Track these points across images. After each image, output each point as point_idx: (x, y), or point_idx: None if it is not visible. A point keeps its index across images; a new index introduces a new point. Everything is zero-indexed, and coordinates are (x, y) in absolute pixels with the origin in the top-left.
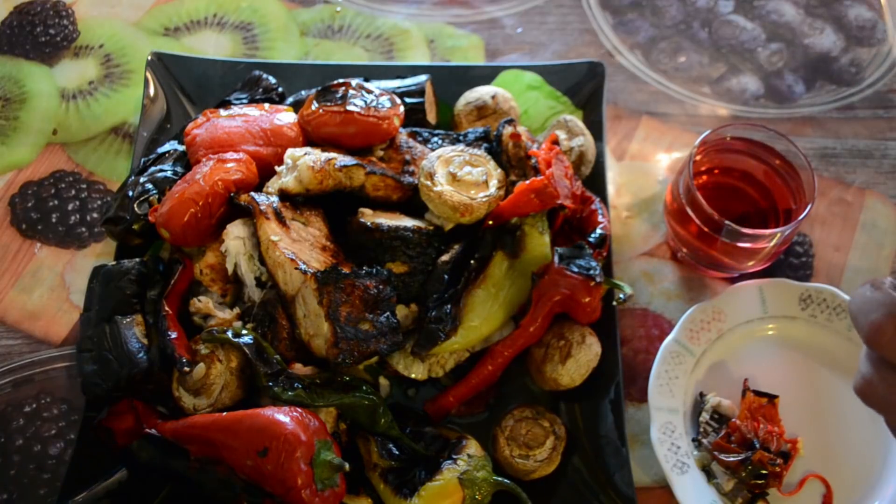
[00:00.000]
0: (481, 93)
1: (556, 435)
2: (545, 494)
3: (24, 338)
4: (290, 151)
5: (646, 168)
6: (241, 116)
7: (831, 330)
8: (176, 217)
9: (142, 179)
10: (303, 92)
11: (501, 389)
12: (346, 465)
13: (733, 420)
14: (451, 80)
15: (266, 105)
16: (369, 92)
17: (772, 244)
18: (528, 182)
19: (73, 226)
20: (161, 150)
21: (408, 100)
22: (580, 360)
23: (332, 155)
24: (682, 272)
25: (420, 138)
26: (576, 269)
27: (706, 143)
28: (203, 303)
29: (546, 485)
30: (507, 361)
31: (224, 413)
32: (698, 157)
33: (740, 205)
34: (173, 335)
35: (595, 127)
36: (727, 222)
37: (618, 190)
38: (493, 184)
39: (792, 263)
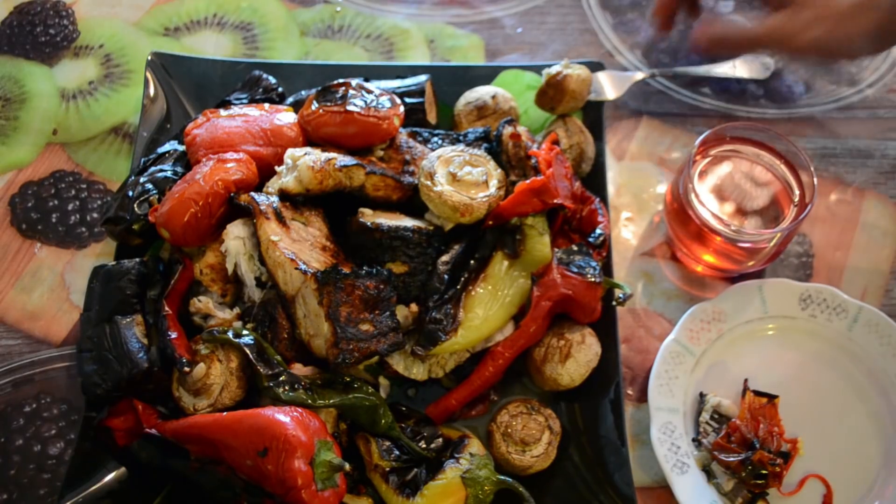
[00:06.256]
0: (481, 93)
1: (552, 430)
2: (545, 493)
3: (24, 338)
4: (290, 151)
5: (646, 168)
6: (241, 116)
7: (831, 330)
8: (176, 217)
9: (142, 179)
10: (303, 92)
11: (503, 389)
12: (347, 465)
13: (733, 420)
14: (451, 80)
15: (266, 105)
16: (369, 92)
17: (772, 244)
18: (528, 182)
19: (73, 226)
20: (161, 150)
21: (408, 100)
22: (580, 360)
23: (332, 155)
24: (682, 272)
25: (420, 138)
26: (576, 269)
27: (706, 143)
28: (203, 303)
29: (546, 483)
30: (508, 362)
31: (224, 413)
32: (698, 157)
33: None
34: (173, 335)
35: (595, 127)
36: (727, 222)
37: (618, 190)
38: (493, 184)
39: (792, 263)
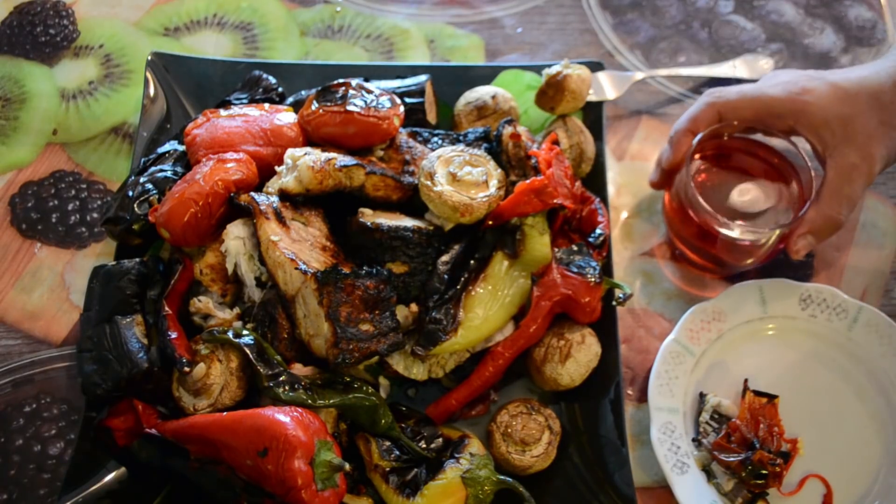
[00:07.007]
0: (481, 93)
1: (552, 430)
2: (545, 493)
3: (24, 338)
4: (290, 151)
5: (646, 168)
6: (241, 116)
7: (831, 330)
8: (176, 217)
9: (142, 179)
10: (303, 92)
11: (503, 389)
12: (347, 465)
13: (733, 420)
14: (451, 80)
15: (266, 105)
16: (369, 92)
17: (771, 241)
18: (528, 182)
19: (73, 226)
20: (161, 150)
21: (408, 100)
22: (580, 360)
23: (332, 155)
24: (683, 272)
25: (420, 138)
26: (575, 269)
27: (705, 142)
28: (203, 303)
29: (546, 483)
30: (508, 362)
31: (224, 413)
32: (697, 156)
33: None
34: (173, 335)
35: (595, 127)
36: (726, 220)
37: (618, 190)
38: (493, 184)
39: (792, 263)
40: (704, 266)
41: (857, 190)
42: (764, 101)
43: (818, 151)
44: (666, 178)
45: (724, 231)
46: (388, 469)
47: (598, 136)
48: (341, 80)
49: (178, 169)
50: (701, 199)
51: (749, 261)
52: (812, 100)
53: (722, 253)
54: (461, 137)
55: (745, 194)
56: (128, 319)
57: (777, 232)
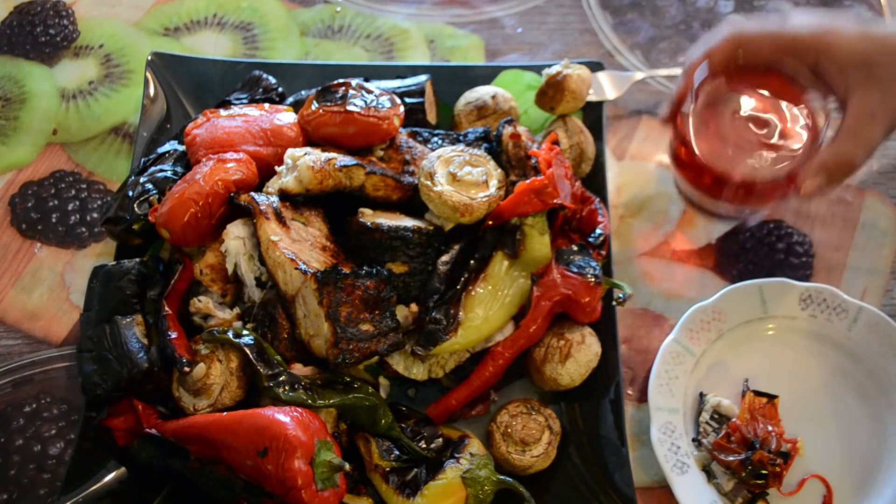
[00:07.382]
0: (481, 93)
1: (552, 429)
2: (545, 493)
3: (24, 338)
4: (290, 151)
5: (646, 168)
6: (241, 116)
7: (831, 330)
8: (176, 217)
9: (142, 179)
10: (303, 92)
11: (503, 389)
12: (347, 465)
13: (733, 420)
14: (451, 80)
15: (266, 105)
16: (369, 92)
17: (780, 173)
18: (528, 182)
19: (73, 226)
20: (161, 150)
21: (408, 100)
22: (580, 360)
23: (332, 155)
24: (683, 272)
25: (420, 138)
26: (575, 269)
27: (717, 75)
28: (203, 303)
29: (546, 483)
30: (508, 362)
31: (224, 413)
32: (706, 86)
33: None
34: (173, 335)
35: (595, 127)
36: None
37: (618, 190)
38: (493, 184)
39: (792, 263)
40: (714, 214)
41: (875, 135)
42: (787, 37)
43: (839, 92)
44: (676, 109)
45: (747, 160)
46: (388, 469)
47: (598, 136)
48: (341, 80)
49: (178, 169)
50: (707, 135)
51: (759, 202)
52: (838, 39)
53: (730, 196)
54: (461, 137)
55: (755, 128)
56: (128, 319)
57: (795, 158)
